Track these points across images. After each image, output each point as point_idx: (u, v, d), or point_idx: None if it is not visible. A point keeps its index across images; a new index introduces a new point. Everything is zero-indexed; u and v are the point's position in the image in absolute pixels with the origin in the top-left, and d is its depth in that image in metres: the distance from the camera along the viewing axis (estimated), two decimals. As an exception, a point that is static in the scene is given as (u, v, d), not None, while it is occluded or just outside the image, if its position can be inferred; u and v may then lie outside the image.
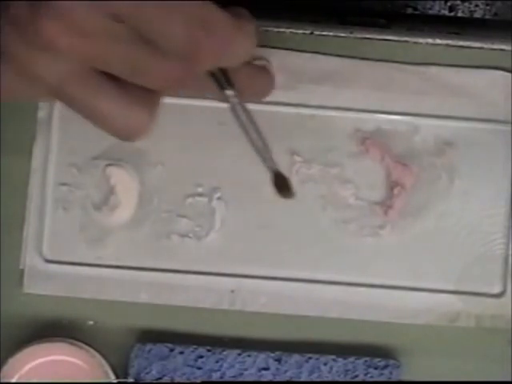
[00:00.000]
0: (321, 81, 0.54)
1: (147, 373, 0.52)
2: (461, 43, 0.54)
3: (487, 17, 0.56)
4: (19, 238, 0.54)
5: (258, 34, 0.39)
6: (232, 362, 0.53)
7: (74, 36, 0.35)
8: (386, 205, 0.54)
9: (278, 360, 0.53)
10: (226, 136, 0.54)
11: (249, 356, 0.53)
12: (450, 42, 0.54)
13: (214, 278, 0.53)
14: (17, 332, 0.53)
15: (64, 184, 0.54)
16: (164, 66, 0.37)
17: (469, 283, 0.54)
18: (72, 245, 0.54)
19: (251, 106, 0.54)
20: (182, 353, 0.52)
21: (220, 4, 0.37)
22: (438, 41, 0.54)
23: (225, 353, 0.53)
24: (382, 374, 0.52)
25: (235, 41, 0.37)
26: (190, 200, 0.54)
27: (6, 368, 0.51)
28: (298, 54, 0.53)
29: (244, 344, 0.53)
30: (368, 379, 0.52)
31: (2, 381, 0.51)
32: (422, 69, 0.54)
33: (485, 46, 0.53)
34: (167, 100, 0.54)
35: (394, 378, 0.52)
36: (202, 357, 0.53)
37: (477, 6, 0.56)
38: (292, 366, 0.53)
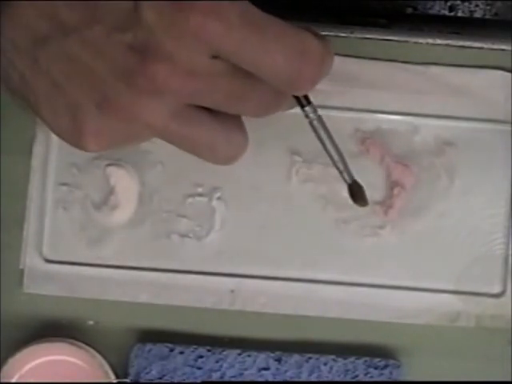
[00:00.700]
0: (321, 81, 0.54)
1: (147, 373, 0.52)
2: (461, 43, 0.54)
3: (487, 17, 0.56)
4: (19, 238, 0.54)
5: None
6: (232, 362, 0.53)
7: (183, 76, 0.36)
8: (386, 205, 0.54)
9: (278, 360, 0.53)
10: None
11: (249, 356, 0.53)
12: (450, 41, 0.54)
13: (213, 278, 0.53)
14: (17, 332, 0.53)
15: (64, 184, 0.54)
16: (263, 95, 0.39)
17: (469, 283, 0.54)
18: (72, 245, 0.54)
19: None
20: (182, 353, 0.52)
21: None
22: (438, 41, 0.54)
23: (225, 353, 0.53)
24: (381, 374, 0.52)
25: (327, 63, 0.39)
26: (190, 200, 0.54)
27: (5, 368, 0.51)
28: (298, 53, 0.53)
29: (244, 344, 0.53)
30: (368, 379, 0.52)
31: (2, 381, 0.51)
32: (422, 69, 0.54)
33: (485, 45, 0.53)
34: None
35: (393, 378, 0.52)
36: (202, 357, 0.53)
37: (477, 5, 0.56)
38: (292, 366, 0.53)
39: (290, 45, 0.37)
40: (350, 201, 0.54)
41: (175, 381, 0.52)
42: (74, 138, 0.39)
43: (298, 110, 0.54)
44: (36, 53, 0.37)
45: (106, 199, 0.54)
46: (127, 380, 0.52)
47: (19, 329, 0.53)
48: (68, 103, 0.38)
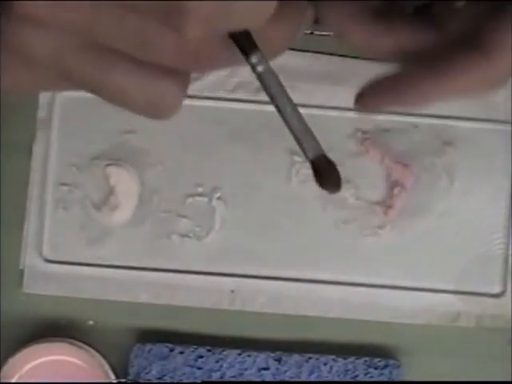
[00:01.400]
0: (321, 81, 0.54)
1: (147, 373, 0.52)
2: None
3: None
4: (19, 238, 0.54)
5: None
6: (232, 362, 0.53)
7: (51, 4, 0.32)
8: (385, 205, 0.54)
9: (278, 360, 0.53)
10: (225, 136, 0.54)
11: (249, 356, 0.53)
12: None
13: (213, 278, 0.53)
14: (17, 332, 0.53)
15: (64, 184, 0.54)
16: (168, 37, 0.32)
17: (469, 283, 0.54)
18: (72, 245, 0.54)
19: (249, 106, 0.55)
20: (182, 353, 0.53)
21: None
22: (438, 41, 0.54)
23: (225, 353, 0.53)
24: (381, 374, 0.52)
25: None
26: (190, 200, 0.54)
27: (6, 368, 0.51)
28: (298, 53, 0.54)
29: (244, 344, 0.53)
30: (368, 379, 0.52)
31: (2, 381, 0.51)
32: (422, 69, 0.54)
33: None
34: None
35: (394, 378, 0.52)
36: (202, 357, 0.53)
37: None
38: (292, 366, 0.53)
39: None
40: (349, 200, 0.54)
41: (175, 381, 0.52)
42: None
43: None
44: None
45: (106, 199, 0.54)
46: (127, 380, 0.52)
47: (19, 329, 0.53)
48: None
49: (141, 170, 0.54)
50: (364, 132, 0.54)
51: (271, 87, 0.33)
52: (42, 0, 0.32)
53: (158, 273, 0.53)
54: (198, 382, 0.53)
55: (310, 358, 0.53)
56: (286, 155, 0.54)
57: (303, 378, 0.53)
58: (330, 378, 0.52)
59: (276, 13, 0.30)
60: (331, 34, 0.53)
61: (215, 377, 0.53)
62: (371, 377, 0.53)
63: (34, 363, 0.52)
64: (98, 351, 0.52)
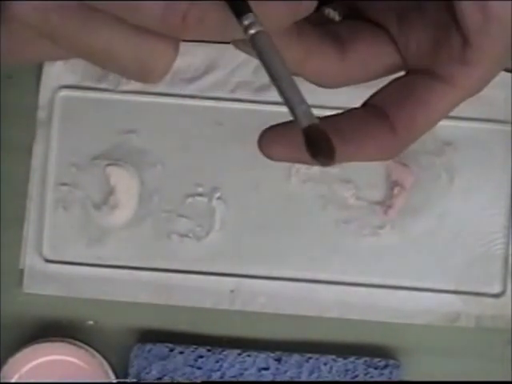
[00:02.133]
0: None
1: (147, 373, 0.52)
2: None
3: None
4: (19, 238, 0.54)
5: None
6: (232, 362, 0.53)
7: None
8: (385, 205, 0.54)
9: (278, 360, 0.53)
10: (225, 136, 0.54)
11: (249, 356, 0.53)
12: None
13: (213, 278, 0.53)
14: (17, 332, 0.53)
15: (64, 184, 0.54)
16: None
17: (469, 283, 0.54)
18: (72, 245, 0.54)
19: (249, 106, 0.55)
20: (181, 353, 0.52)
21: None
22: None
23: (225, 353, 0.53)
24: (382, 374, 0.52)
25: None
26: (189, 200, 0.54)
27: (6, 368, 0.51)
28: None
29: (244, 344, 0.53)
30: (368, 379, 0.52)
31: (2, 381, 0.51)
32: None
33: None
34: (167, 100, 0.54)
35: (394, 378, 0.52)
36: (202, 357, 0.53)
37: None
38: (292, 366, 0.53)
39: None
40: (349, 200, 0.54)
41: (175, 381, 0.52)
42: None
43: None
44: None
45: (106, 199, 0.54)
46: (127, 380, 0.52)
47: (19, 329, 0.53)
48: None
49: (141, 169, 0.54)
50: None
51: (264, 52, 0.30)
52: None
53: (158, 273, 0.53)
54: (198, 382, 0.53)
55: (310, 357, 0.53)
56: (286, 155, 0.54)
57: (303, 378, 0.53)
58: (330, 378, 0.52)
59: None
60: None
61: (215, 377, 0.53)
62: (371, 377, 0.52)
63: (33, 363, 0.52)
64: (98, 351, 0.52)
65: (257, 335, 0.54)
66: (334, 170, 0.54)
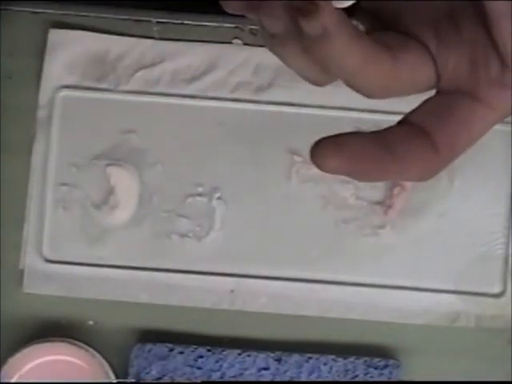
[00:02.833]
0: None
1: (147, 373, 0.52)
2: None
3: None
4: (19, 238, 0.54)
5: None
6: (232, 362, 0.53)
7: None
8: (385, 205, 0.54)
9: (278, 360, 0.53)
10: (225, 136, 0.54)
11: (249, 356, 0.53)
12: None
13: (213, 278, 0.53)
14: (17, 332, 0.53)
15: (64, 184, 0.54)
16: None
17: (469, 283, 0.54)
18: (72, 245, 0.54)
19: (249, 106, 0.55)
20: (181, 353, 0.52)
21: None
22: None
23: (225, 353, 0.53)
24: (381, 374, 0.52)
25: None
26: (189, 200, 0.54)
27: (5, 368, 0.51)
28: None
29: (244, 344, 0.53)
30: (368, 379, 0.52)
31: (2, 381, 0.51)
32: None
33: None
34: (167, 100, 0.54)
35: (393, 378, 0.52)
36: (202, 357, 0.53)
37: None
38: (292, 366, 0.53)
39: None
40: (349, 200, 0.54)
41: (175, 381, 0.52)
42: None
43: (297, 110, 0.55)
44: None
45: (106, 199, 0.54)
46: (127, 380, 0.52)
47: (19, 329, 0.53)
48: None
49: (141, 169, 0.54)
50: (364, 131, 0.54)
51: None
52: None
53: (158, 273, 0.53)
54: (198, 382, 0.53)
55: (310, 357, 0.53)
56: (286, 155, 0.54)
57: (303, 378, 0.53)
58: (330, 378, 0.52)
59: None
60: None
61: (215, 377, 0.53)
62: (371, 377, 0.52)
63: (33, 363, 0.52)
64: (98, 351, 0.52)
65: (257, 335, 0.54)
66: (334, 170, 0.54)
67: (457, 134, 0.33)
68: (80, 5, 0.55)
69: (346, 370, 0.53)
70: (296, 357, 0.53)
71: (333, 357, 0.53)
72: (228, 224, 0.54)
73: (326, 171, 0.33)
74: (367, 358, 0.53)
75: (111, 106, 0.54)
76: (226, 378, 0.52)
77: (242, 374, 0.53)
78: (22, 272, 0.53)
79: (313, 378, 0.53)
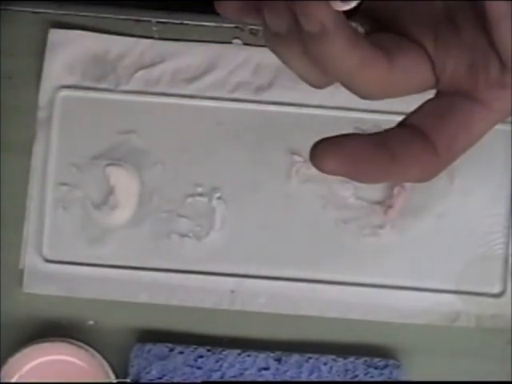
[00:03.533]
0: None
1: (147, 373, 0.52)
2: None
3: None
4: (19, 238, 0.54)
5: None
6: (232, 362, 0.53)
7: None
8: (385, 204, 0.54)
9: (278, 360, 0.53)
10: (225, 136, 0.54)
11: (249, 356, 0.53)
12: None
13: (214, 278, 0.53)
14: (17, 332, 0.53)
15: (64, 184, 0.54)
16: None
17: (469, 283, 0.54)
18: (72, 244, 0.54)
19: (249, 106, 0.55)
20: (181, 353, 0.52)
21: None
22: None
23: (225, 353, 0.53)
24: (382, 374, 0.52)
25: None
26: (189, 200, 0.54)
27: (6, 368, 0.51)
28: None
29: (244, 344, 0.53)
30: (368, 379, 0.52)
31: (2, 381, 0.51)
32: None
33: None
34: (167, 100, 0.54)
35: (393, 378, 0.52)
36: (202, 357, 0.53)
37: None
38: (292, 366, 0.53)
39: None
40: (349, 200, 0.54)
41: (175, 381, 0.52)
42: None
43: (298, 109, 0.54)
44: None
45: (106, 199, 0.54)
46: (127, 380, 0.52)
47: (19, 329, 0.53)
48: None
49: (141, 170, 0.54)
50: (364, 132, 0.54)
51: None
52: None
53: (157, 273, 0.53)
54: (198, 382, 0.53)
55: (309, 357, 0.53)
56: (286, 155, 0.54)
57: (303, 378, 0.53)
58: (330, 378, 0.52)
59: None
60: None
61: (215, 377, 0.53)
62: (371, 377, 0.52)
63: (33, 363, 0.52)
64: (98, 351, 0.52)
65: (257, 335, 0.54)
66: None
67: (456, 136, 0.33)
68: (80, 5, 0.55)
69: (346, 370, 0.53)
70: (296, 357, 0.53)
71: (333, 357, 0.53)
72: (228, 224, 0.54)
73: (325, 172, 0.33)
74: (367, 358, 0.53)
75: (111, 106, 0.54)
76: (226, 378, 0.52)
77: (242, 374, 0.53)
78: (21, 272, 0.53)
79: (313, 377, 0.53)
